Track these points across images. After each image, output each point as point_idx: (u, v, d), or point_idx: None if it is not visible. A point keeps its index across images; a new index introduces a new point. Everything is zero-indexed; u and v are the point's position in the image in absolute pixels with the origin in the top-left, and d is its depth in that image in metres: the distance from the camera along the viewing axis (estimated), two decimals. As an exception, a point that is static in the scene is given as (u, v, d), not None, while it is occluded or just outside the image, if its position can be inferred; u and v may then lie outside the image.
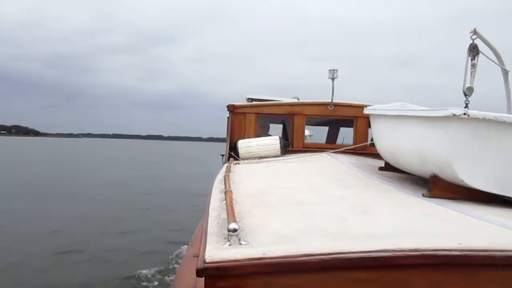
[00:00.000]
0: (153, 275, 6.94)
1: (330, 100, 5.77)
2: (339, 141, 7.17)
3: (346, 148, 5.45)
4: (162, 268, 7.26)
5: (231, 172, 3.65)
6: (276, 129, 7.27)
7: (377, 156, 4.19)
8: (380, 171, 3.87)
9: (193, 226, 5.90)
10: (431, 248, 1.56)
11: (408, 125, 3.16)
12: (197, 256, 1.60)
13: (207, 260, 1.47)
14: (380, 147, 3.90)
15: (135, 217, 11.83)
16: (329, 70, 5.63)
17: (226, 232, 1.65)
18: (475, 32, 3.21)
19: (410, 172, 3.45)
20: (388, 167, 3.85)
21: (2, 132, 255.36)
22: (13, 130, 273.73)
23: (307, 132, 6.58)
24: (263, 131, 6.29)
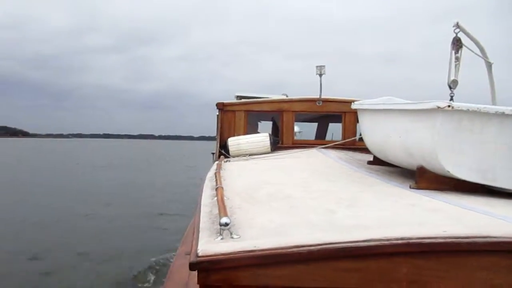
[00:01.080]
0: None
1: (318, 96, 5.83)
2: (328, 137, 7.23)
3: (335, 143, 5.50)
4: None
5: (222, 169, 3.67)
6: (266, 126, 7.29)
7: (366, 150, 4.24)
8: (368, 165, 3.92)
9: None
10: (416, 236, 1.60)
11: (395, 119, 3.20)
12: (189, 254, 1.63)
13: (200, 254, 1.50)
14: (368, 141, 3.95)
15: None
16: (317, 66, 5.67)
17: (218, 226, 1.69)
18: (457, 25, 3.26)
19: (397, 165, 3.50)
20: (377, 161, 3.90)
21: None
22: (1, 131, 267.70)
23: (296, 129, 6.62)
24: (252, 129, 6.30)
